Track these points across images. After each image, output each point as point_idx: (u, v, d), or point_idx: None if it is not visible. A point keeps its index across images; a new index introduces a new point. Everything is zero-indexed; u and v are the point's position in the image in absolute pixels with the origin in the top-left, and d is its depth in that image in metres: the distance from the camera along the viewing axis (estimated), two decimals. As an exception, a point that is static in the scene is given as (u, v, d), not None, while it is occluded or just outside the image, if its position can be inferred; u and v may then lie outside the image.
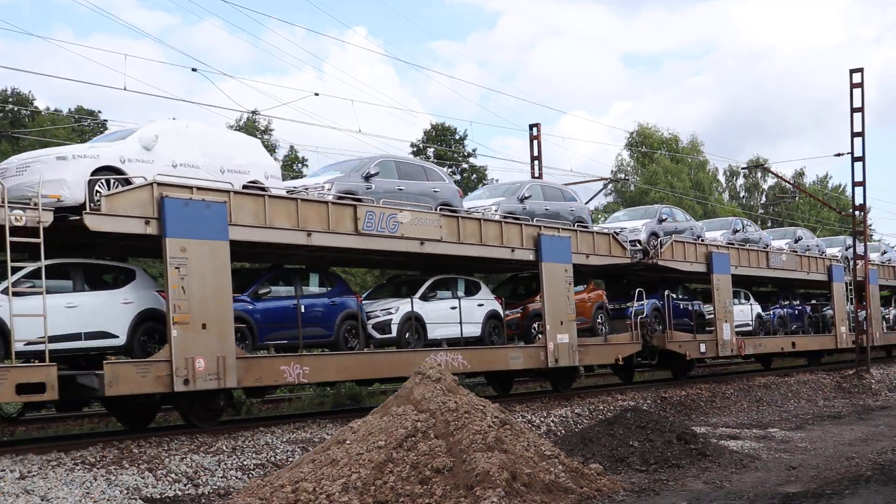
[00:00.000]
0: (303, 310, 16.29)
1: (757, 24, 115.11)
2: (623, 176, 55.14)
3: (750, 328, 28.48)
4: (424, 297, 18.58)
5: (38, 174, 12.85)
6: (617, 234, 22.99)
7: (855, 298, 31.02)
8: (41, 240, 12.46)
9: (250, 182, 15.47)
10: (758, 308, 29.44)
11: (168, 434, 14.49)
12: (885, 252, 37.87)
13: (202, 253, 14.02)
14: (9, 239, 12.16)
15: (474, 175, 49.57)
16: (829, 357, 33.94)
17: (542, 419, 18.14)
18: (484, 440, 10.10)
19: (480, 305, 19.61)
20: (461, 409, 10.72)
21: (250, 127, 44.86)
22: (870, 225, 52.64)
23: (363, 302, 18.03)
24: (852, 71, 29.01)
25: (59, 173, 13.09)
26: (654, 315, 24.32)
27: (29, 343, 12.51)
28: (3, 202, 12.24)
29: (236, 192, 14.88)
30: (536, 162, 30.09)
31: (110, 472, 11.72)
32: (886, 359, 35.63)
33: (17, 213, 12.33)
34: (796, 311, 31.94)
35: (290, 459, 13.19)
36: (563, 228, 21.03)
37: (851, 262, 31.71)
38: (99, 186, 13.34)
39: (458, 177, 48.97)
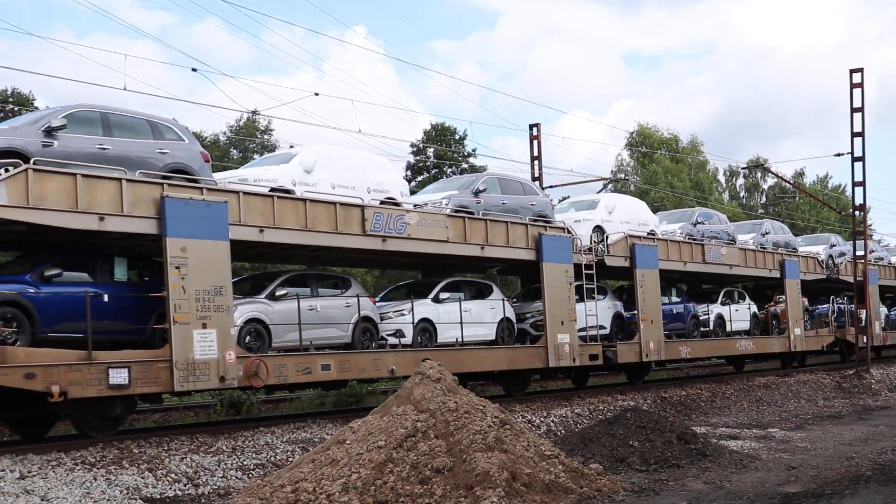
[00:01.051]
0: (674, 312, 25.23)
1: (757, 24, 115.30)
2: (623, 176, 55.11)
3: (883, 325, 35.99)
4: (723, 303, 27.71)
5: (570, 231, 21.34)
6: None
7: (855, 299, 31.14)
8: (594, 271, 21.54)
9: (648, 231, 24.49)
10: (885, 310, 36.88)
11: (168, 434, 14.50)
12: (872, 251, 37.84)
13: (650, 277, 23.26)
14: (584, 272, 21.20)
15: (474, 175, 49.51)
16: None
17: (542, 419, 18.14)
18: (484, 440, 10.09)
19: (748, 308, 28.85)
20: (461, 409, 10.72)
21: (250, 127, 44.88)
22: (870, 225, 52.63)
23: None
24: (852, 71, 29.01)
25: (580, 231, 21.87)
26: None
27: (580, 329, 21.05)
28: (578, 251, 21.18)
29: (659, 239, 24.37)
30: (536, 162, 30.10)
31: (110, 472, 11.72)
32: (884, 359, 35.73)
33: (582, 256, 21.28)
34: None
35: (290, 459, 13.19)
36: (794, 255, 30.28)
37: None
38: (594, 237, 22.30)
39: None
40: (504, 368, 19.74)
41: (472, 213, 19.03)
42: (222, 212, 14.08)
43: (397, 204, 17.65)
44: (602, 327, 22.28)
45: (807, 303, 31.42)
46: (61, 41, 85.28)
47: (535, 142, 30.32)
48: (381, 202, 17.24)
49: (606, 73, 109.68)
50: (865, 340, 30.31)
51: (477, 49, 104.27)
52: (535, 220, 20.50)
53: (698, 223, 26.91)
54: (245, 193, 14.87)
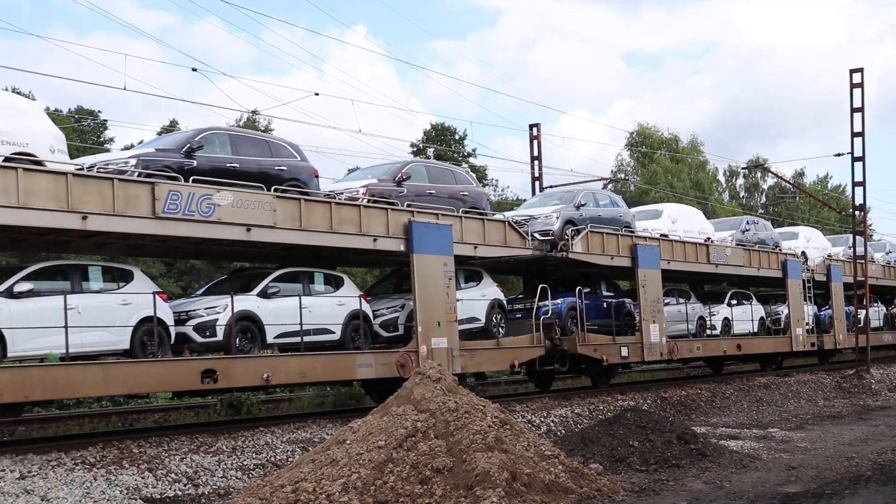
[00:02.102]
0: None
1: (757, 24, 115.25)
2: (623, 176, 55.09)
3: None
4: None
5: (798, 256, 30.21)
6: None
7: (855, 299, 31.14)
8: (812, 284, 30.40)
9: (828, 254, 32.53)
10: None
11: (168, 434, 14.50)
12: (889, 251, 37.81)
13: (838, 288, 31.78)
14: (806, 285, 29.82)
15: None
16: None
17: (542, 419, 18.13)
18: (484, 440, 10.10)
19: (883, 309, 36.84)
20: (461, 409, 10.72)
21: (250, 127, 44.80)
22: (870, 225, 52.62)
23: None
24: (852, 71, 28.98)
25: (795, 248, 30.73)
26: None
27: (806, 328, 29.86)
28: (806, 270, 29.95)
29: (837, 259, 32.37)
30: (536, 162, 30.09)
31: (110, 472, 11.72)
32: (884, 359, 35.72)
33: (807, 275, 30.20)
34: None
35: (290, 459, 13.19)
36: None
37: None
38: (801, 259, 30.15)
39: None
40: (770, 351, 29.79)
41: (744, 244, 28.16)
42: (657, 252, 23.51)
43: (709, 240, 26.58)
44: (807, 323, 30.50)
45: None
46: (61, 41, 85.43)
47: (535, 142, 30.30)
48: (704, 240, 26.30)
49: (606, 72, 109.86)
50: (866, 341, 30.33)
51: (477, 49, 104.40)
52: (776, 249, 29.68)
53: (850, 246, 33.59)
54: (662, 240, 24.25)
